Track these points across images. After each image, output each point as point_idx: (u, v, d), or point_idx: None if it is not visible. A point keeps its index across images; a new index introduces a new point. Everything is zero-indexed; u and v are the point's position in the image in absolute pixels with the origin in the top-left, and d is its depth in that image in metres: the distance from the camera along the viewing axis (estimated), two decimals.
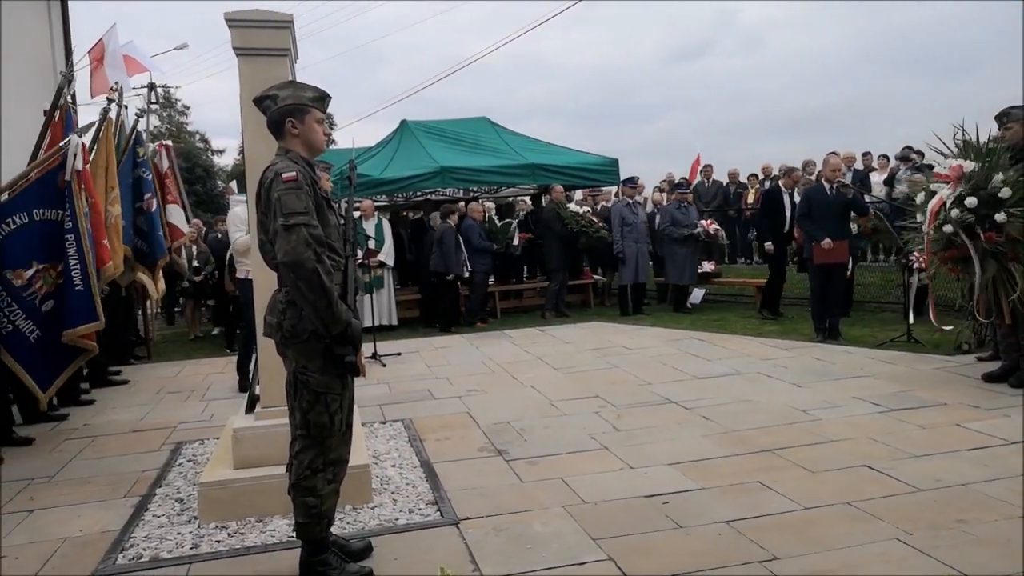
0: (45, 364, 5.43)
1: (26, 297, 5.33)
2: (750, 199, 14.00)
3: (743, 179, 14.51)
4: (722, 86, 75.69)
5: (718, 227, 10.36)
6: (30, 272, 5.33)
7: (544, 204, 12.05)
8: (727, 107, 65.40)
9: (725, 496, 3.73)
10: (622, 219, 10.28)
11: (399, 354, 8.17)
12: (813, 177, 10.32)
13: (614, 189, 12.46)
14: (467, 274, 10.07)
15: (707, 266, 11.17)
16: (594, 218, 10.64)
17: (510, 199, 14.13)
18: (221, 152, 38.75)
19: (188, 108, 37.86)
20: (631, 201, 10.53)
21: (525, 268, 12.71)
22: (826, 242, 7.44)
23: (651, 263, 11.03)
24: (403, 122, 12.15)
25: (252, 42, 3.82)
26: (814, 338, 7.66)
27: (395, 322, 10.10)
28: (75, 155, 5.50)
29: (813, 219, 7.68)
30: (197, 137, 37.13)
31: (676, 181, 13.54)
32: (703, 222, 10.30)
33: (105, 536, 3.62)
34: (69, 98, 6.63)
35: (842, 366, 6.45)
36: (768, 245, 9.20)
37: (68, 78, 6.41)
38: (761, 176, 14.15)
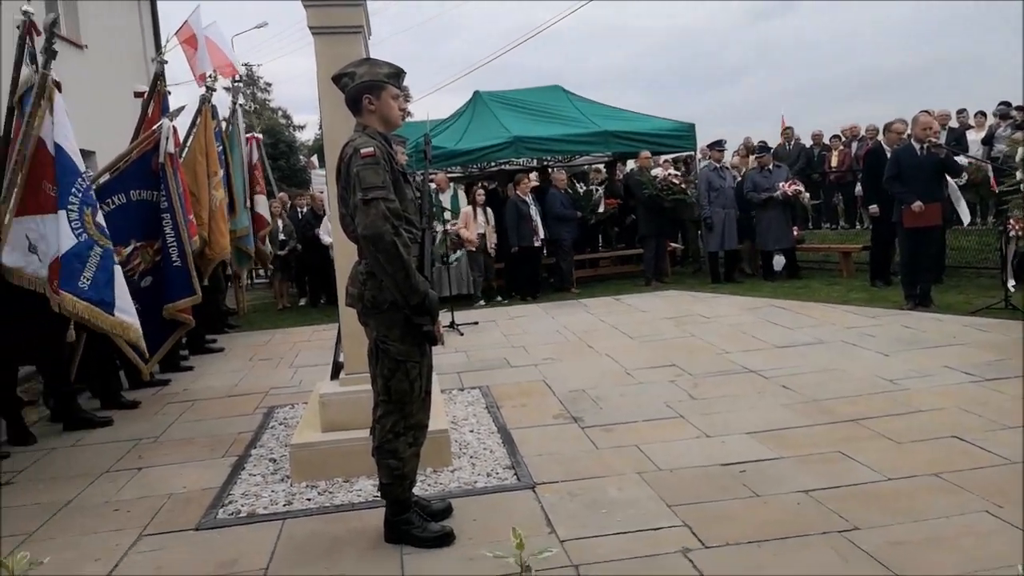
0: (147, 336, 5.77)
1: (126, 273, 5.66)
2: (834, 161, 13.44)
3: (827, 141, 13.91)
4: (807, 46, 72.36)
5: (799, 188, 9.92)
6: (128, 249, 5.67)
7: (630, 170, 11.94)
8: (812, 67, 62.59)
9: (805, 466, 3.69)
10: (708, 184, 10.06)
11: (476, 323, 8.31)
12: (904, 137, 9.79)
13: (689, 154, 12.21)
14: (538, 243, 10.08)
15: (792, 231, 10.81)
16: (675, 181, 10.42)
17: (584, 167, 14.04)
18: (302, 127, 39.79)
19: (270, 85, 38.95)
20: (718, 165, 10.26)
21: (600, 238, 12.65)
22: (917, 204, 7.10)
23: None
24: (476, 93, 12.19)
25: (327, 21, 3.93)
26: (904, 305, 7.36)
27: (474, 291, 10.25)
28: (167, 138, 5.78)
29: (903, 181, 7.34)
30: (279, 113, 38.20)
31: (755, 145, 13.13)
32: (782, 184, 9.94)
33: (206, 492, 3.88)
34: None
35: (933, 334, 6.19)
36: (873, 208, 8.68)
37: (164, 62, 6.71)
38: (845, 137, 13.55)
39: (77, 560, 3.17)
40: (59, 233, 4.43)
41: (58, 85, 4.54)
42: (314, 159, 20.56)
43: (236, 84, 9.75)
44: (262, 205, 9.57)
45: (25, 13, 4.46)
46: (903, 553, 2.78)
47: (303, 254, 10.98)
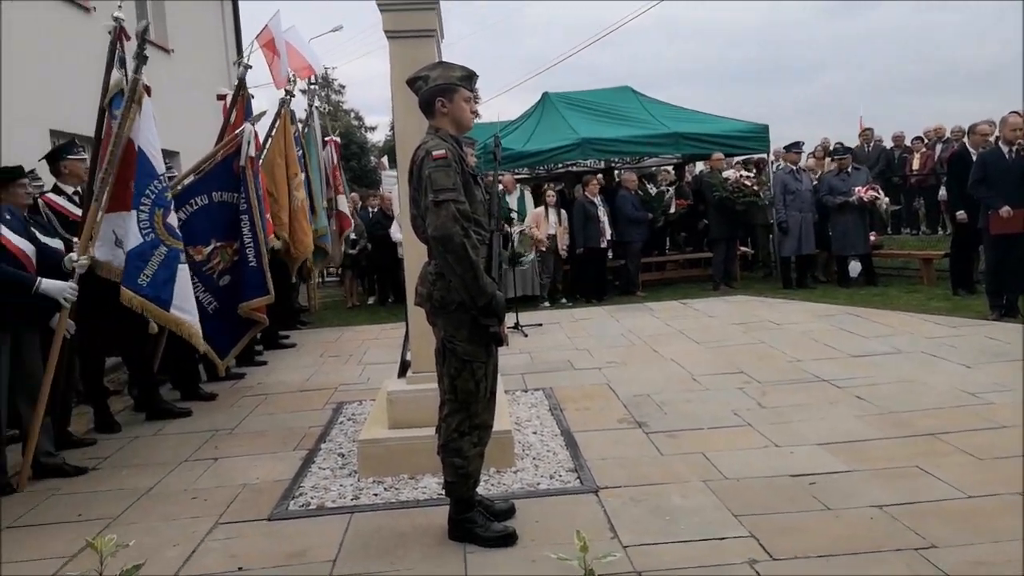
0: (223, 333, 5.99)
1: (205, 272, 5.89)
2: (916, 165, 12.91)
3: (908, 143, 13.38)
4: (888, 41, 69.61)
5: (876, 193, 9.56)
6: (209, 249, 5.89)
7: (700, 172, 11.78)
8: (893, 65, 60.17)
9: (879, 480, 3.56)
10: (784, 187, 9.80)
11: (540, 325, 8.32)
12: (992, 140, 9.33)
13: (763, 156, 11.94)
14: (604, 244, 10.04)
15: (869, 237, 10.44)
16: (747, 183, 10.19)
17: (652, 169, 13.88)
18: (373, 129, 40.59)
19: (344, 87, 39.89)
20: (794, 168, 9.98)
21: (668, 240, 12.49)
22: (1005, 210, 6.76)
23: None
24: (544, 94, 12.21)
25: (402, 25, 4.00)
26: (988, 316, 7.02)
27: (539, 292, 10.26)
28: (248, 142, 6.00)
29: (989, 185, 7.00)
30: (352, 115, 39.08)
31: (832, 147, 12.73)
32: (858, 188, 9.59)
33: (278, 484, 4.01)
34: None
35: (1020, 346, 5.89)
36: (961, 214, 8.29)
37: (247, 66, 6.95)
38: (928, 139, 13.00)
39: (157, 545, 3.32)
40: (128, 231, 4.67)
41: (148, 89, 4.77)
42: (384, 160, 20.86)
43: (312, 87, 10.02)
44: (344, 204, 9.83)
45: (116, 19, 4.69)
46: (984, 574, 2.66)
47: (373, 253, 11.21)
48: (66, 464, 4.41)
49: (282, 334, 8.34)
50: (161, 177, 4.91)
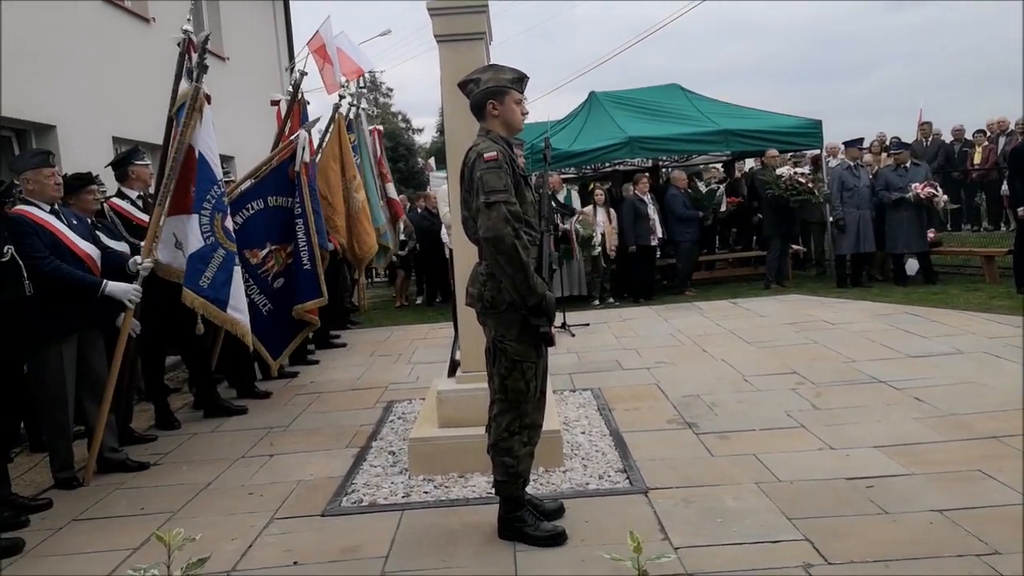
0: (276, 334, 6.14)
1: (260, 274, 6.04)
2: (977, 159, 12.48)
3: (969, 136, 12.94)
4: (945, 34, 67.41)
5: (934, 190, 9.26)
6: (264, 252, 6.05)
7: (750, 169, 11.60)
8: (953, 58, 58.18)
9: (939, 483, 3.47)
10: (842, 183, 9.57)
11: (587, 325, 8.30)
12: None
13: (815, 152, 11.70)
14: (655, 242, 9.97)
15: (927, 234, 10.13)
16: (802, 180, 9.99)
17: (699, 167, 13.73)
18: (420, 131, 41.01)
19: (391, 90, 40.38)
20: (853, 164, 9.73)
21: (717, 239, 12.33)
22: None
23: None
24: (592, 93, 12.15)
25: (452, 28, 4.04)
26: None
27: (585, 292, 10.23)
28: (303, 148, 6.13)
29: None
30: (399, 117, 39.53)
31: (888, 141, 12.40)
32: (915, 185, 9.31)
33: (331, 481, 4.09)
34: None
35: None
36: (1022, 210, 8.01)
37: (303, 73, 7.10)
38: (991, 133, 12.55)
39: (216, 539, 3.41)
40: (189, 234, 4.82)
41: (208, 97, 4.91)
42: (431, 161, 21.14)
43: (360, 89, 10.17)
44: (393, 191, 9.99)
45: (185, 32, 4.85)
46: None
47: (421, 253, 11.33)
48: (129, 460, 4.57)
49: (333, 334, 8.49)
50: (220, 182, 5.07)
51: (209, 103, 4.95)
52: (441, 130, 41.02)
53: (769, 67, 66.13)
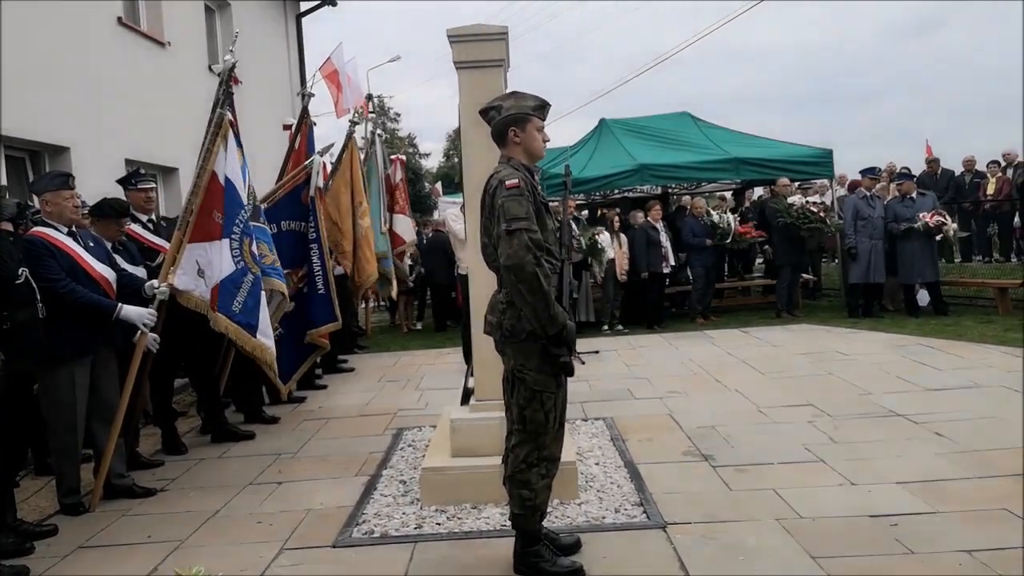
0: (286, 358, 6.07)
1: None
2: (990, 189, 12.46)
3: (981, 167, 12.92)
4: (955, 65, 67.82)
5: (943, 219, 9.21)
6: None
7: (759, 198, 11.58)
8: (961, 89, 58.43)
9: (966, 523, 3.38)
10: (856, 212, 9.54)
11: (597, 352, 8.23)
12: None
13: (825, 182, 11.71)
14: (667, 270, 9.93)
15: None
16: (814, 209, 9.96)
17: (704, 195, 13.71)
18: (427, 155, 41.29)
19: (399, 115, 40.72)
20: (868, 193, 9.70)
21: (726, 267, 12.28)
22: None
23: None
24: (602, 120, 12.20)
25: (471, 56, 4.05)
26: None
27: (593, 318, 10.17)
28: (317, 173, 6.13)
29: None
30: (407, 141, 39.82)
31: (897, 171, 12.38)
32: (923, 214, 9.27)
33: (341, 510, 4.01)
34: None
35: None
36: None
37: (311, 95, 7.12)
38: (1004, 163, 12.54)
39: (225, 570, 3.32)
40: (222, 259, 4.76)
41: (232, 124, 4.90)
42: (438, 186, 21.19)
43: (371, 115, 10.22)
44: (401, 224, 9.97)
45: (226, 62, 4.87)
46: None
47: (428, 277, 11.32)
48: (136, 486, 4.50)
49: (341, 358, 8.43)
50: (246, 207, 5.04)
51: (234, 129, 4.93)
52: (447, 155, 41.34)
53: (772, 95, 66.54)
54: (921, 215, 9.17)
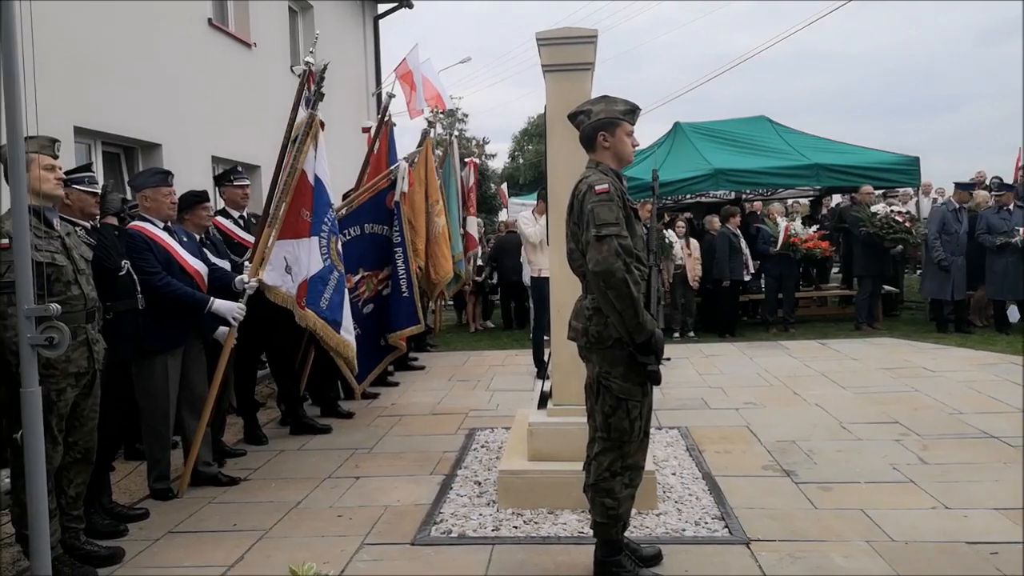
0: (362, 359, 6.16)
1: (352, 299, 6.11)
2: None
3: None
4: None
5: None
6: (357, 277, 6.12)
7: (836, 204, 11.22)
8: None
9: None
10: (943, 224, 9.16)
11: (668, 359, 8.09)
12: None
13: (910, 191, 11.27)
14: (748, 277, 9.73)
15: None
16: (899, 219, 9.59)
17: (788, 201, 13.39)
18: (493, 156, 41.52)
19: (467, 116, 41.06)
20: (958, 206, 9.30)
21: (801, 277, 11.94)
22: None
23: None
24: (676, 124, 12.02)
25: (559, 59, 4.02)
26: None
27: (662, 325, 10.01)
28: (403, 178, 6.22)
29: None
30: (473, 143, 40.14)
31: (988, 181, 11.81)
32: (1021, 228, 8.82)
33: (418, 508, 4.05)
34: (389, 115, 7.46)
35: None
36: None
37: (391, 95, 7.23)
38: None
39: (309, 561, 3.39)
40: (310, 256, 4.88)
41: (323, 124, 5.02)
42: (503, 187, 21.29)
43: (439, 115, 10.33)
44: (473, 226, 10.04)
45: (307, 64, 4.99)
46: None
47: (499, 278, 11.37)
48: (221, 474, 4.64)
49: (412, 356, 8.52)
50: (333, 207, 5.16)
51: (323, 130, 5.04)
52: (512, 156, 41.50)
53: (849, 101, 64.42)
54: (1021, 230, 8.72)
